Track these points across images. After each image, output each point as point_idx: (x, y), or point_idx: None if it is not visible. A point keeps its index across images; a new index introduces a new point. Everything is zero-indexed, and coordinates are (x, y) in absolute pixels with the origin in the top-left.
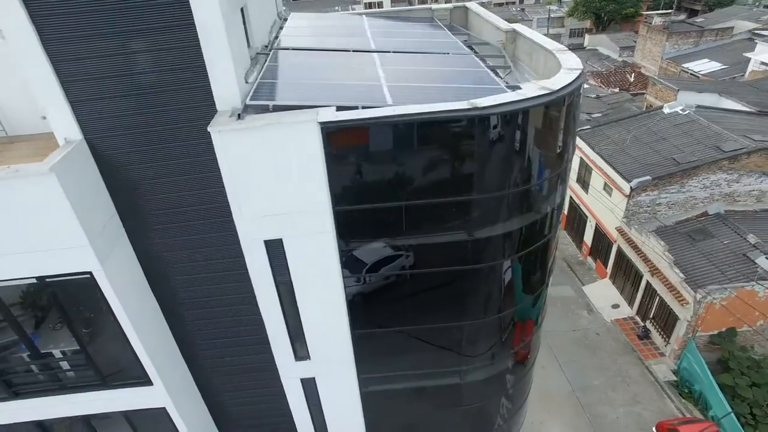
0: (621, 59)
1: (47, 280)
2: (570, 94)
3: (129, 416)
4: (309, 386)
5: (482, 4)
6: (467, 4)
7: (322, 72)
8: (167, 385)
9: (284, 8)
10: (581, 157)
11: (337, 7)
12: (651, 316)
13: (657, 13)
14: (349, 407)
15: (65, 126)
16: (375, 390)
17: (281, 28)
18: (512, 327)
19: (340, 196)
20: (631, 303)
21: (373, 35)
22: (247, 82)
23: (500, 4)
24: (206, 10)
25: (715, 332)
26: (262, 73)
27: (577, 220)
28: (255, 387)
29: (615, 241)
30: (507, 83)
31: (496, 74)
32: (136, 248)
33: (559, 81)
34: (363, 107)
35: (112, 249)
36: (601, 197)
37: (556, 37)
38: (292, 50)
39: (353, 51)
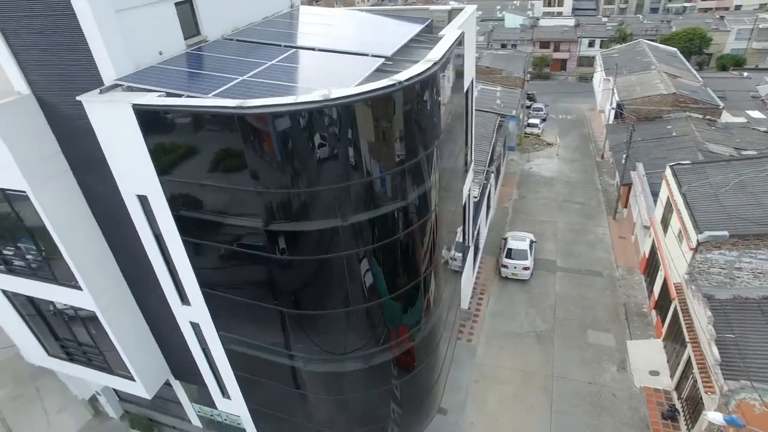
0: None
1: None
2: (368, 100)
3: (80, 314)
4: (197, 330)
5: (686, 9)
6: (467, 7)
7: (215, 62)
8: (95, 295)
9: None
10: (668, 196)
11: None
12: (684, 397)
13: None
14: (224, 358)
15: (18, 82)
16: (237, 350)
17: (288, 17)
18: (372, 327)
19: (159, 168)
20: (673, 375)
21: (328, 31)
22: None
23: (705, 10)
24: (81, 4)
25: None
26: (170, 58)
27: (653, 266)
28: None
29: (674, 299)
30: None
31: None
32: (80, 183)
33: (360, 88)
34: (187, 96)
35: (49, 178)
36: (672, 245)
37: (762, 54)
38: (236, 41)
39: (284, 45)
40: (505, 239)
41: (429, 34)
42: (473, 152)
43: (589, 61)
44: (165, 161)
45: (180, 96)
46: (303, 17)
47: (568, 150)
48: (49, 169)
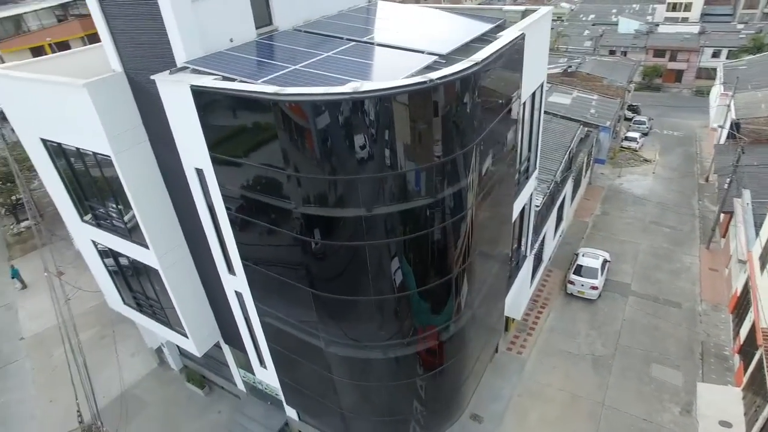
0: None
1: (82, 150)
2: (396, 95)
3: (148, 270)
4: (240, 299)
5: None
6: (541, 8)
7: (277, 51)
8: (159, 255)
9: None
10: None
11: None
12: None
13: None
14: (260, 329)
15: (114, 61)
16: (270, 323)
17: (364, 11)
18: (395, 319)
19: (210, 144)
20: (749, 430)
21: (396, 27)
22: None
23: None
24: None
25: None
26: (238, 45)
27: (744, 305)
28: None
29: (760, 346)
30: None
31: None
32: (155, 154)
33: (390, 83)
34: (240, 81)
35: (130, 146)
36: (766, 286)
37: None
38: (304, 32)
39: (345, 39)
40: (577, 254)
41: (495, 35)
42: (538, 160)
43: (710, 74)
44: (214, 138)
45: (233, 80)
46: (378, 12)
47: (666, 169)
48: (131, 139)
